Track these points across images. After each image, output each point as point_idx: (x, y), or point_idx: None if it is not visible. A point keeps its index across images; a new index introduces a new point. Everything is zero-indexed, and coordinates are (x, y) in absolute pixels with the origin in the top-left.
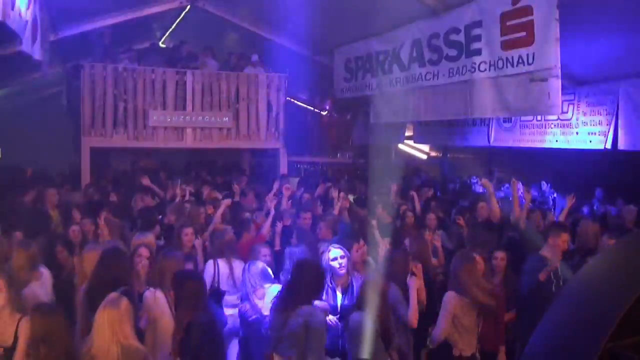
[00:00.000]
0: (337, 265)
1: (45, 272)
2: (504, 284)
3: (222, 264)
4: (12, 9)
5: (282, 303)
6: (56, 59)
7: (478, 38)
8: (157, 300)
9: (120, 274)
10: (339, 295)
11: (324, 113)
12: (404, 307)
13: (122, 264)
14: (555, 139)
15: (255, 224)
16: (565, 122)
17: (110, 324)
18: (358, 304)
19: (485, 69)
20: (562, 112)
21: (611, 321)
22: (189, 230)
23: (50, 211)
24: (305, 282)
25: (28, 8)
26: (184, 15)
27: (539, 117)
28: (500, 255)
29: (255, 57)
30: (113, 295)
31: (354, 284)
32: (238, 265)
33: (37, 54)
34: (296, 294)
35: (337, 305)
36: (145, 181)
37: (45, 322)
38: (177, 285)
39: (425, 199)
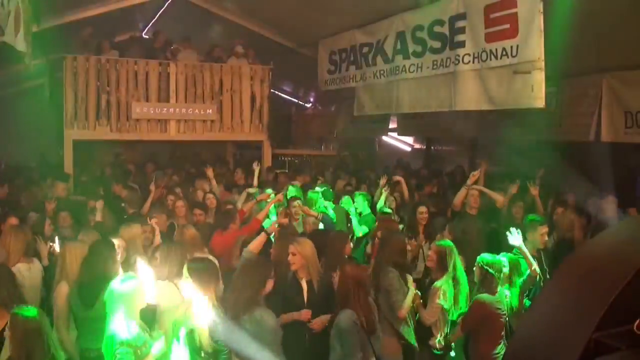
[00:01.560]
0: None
1: (37, 263)
2: None
3: None
4: None
5: None
6: (39, 50)
7: (462, 30)
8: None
9: (111, 267)
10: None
11: (308, 105)
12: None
13: (112, 257)
14: (539, 130)
15: (241, 212)
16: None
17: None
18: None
19: (469, 61)
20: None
21: (597, 311)
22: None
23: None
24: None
25: None
26: (166, 7)
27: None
28: None
29: (239, 48)
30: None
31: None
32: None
33: (20, 45)
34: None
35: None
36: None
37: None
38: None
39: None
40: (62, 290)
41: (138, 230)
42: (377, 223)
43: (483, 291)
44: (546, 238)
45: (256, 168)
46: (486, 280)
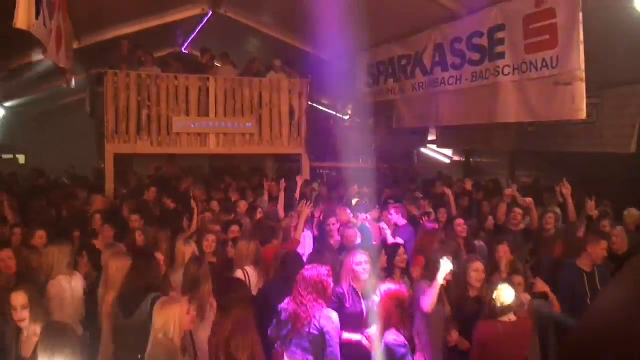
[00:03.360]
0: (361, 270)
1: (78, 276)
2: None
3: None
4: (37, 18)
5: None
6: (80, 66)
7: (501, 41)
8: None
9: (153, 280)
10: (362, 300)
11: (346, 118)
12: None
13: (154, 270)
14: (580, 142)
15: (282, 228)
16: (590, 126)
17: (177, 318)
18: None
19: (509, 73)
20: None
21: None
22: (210, 237)
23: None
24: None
25: (52, 17)
26: (206, 22)
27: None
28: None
29: (278, 62)
30: (172, 295)
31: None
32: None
33: (61, 61)
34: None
35: (362, 310)
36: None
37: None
38: (222, 293)
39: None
40: (108, 300)
41: (180, 246)
42: (420, 237)
43: None
44: (605, 254)
45: (300, 181)
46: None
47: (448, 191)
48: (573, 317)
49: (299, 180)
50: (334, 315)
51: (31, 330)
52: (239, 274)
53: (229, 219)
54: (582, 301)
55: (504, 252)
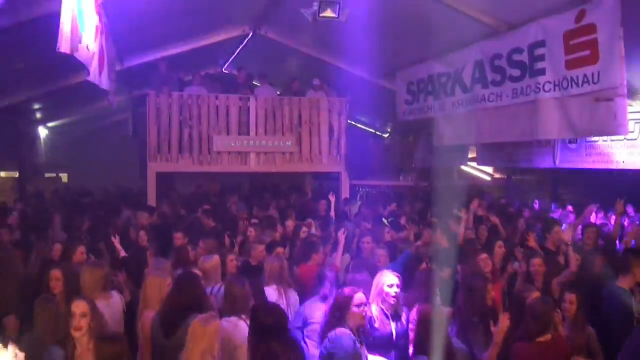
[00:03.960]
0: (393, 293)
1: (116, 296)
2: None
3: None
4: (80, 42)
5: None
6: (122, 87)
7: (541, 57)
8: (239, 328)
9: (194, 300)
10: (392, 322)
11: (385, 136)
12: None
13: (196, 289)
14: (622, 159)
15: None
16: (632, 142)
17: (208, 339)
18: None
19: (550, 89)
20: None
21: None
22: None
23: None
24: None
25: (95, 40)
26: (245, 43)
27: (604, 137)
28: (569, 297)
29: (316, 81)
30: (207, 314)
31: (404, 311)
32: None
33: (104, 83)
34: None
35: (391, 332)
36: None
37: (109, 350)
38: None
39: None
40: (146, 318)
41: (217, 261)
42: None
43: None
44: None
45: (332, 199)
46: None
47: (495, 219)
48: (621, 337)
49: (332, 198)
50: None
51: (84, 343)
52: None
53: (275, 240)
54: (629, 321)
55: (538, 265)
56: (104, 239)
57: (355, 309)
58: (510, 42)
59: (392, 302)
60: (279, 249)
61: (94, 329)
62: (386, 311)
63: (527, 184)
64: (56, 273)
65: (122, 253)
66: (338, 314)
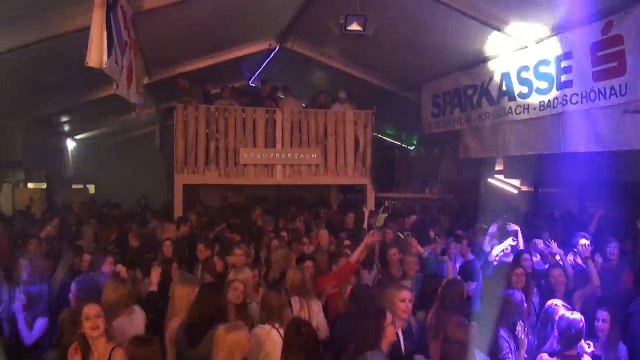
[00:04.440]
0: (405, 308)
1: (137, 311)
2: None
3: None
4: (109, 56)
5: None
6: (150, 100)
7: (568, 69)
8: (271, 336)
9: (218, 309)
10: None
11: (411, 148)
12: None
13: (220, 300)
14: None
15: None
16: None
17: (238, 346)
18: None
19: (577, 101)
20: None
21: None
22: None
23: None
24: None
25: (124, 55)
26: (273, 56)
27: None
28: (602, 315)
29: (342, 94)
30: (236, 322)
31: (414, 325)
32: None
33: (132, 97)
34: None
35: (400, 349)
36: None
37: (142, 352)
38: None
39: None
40: (172, 327)
41: (248, 275)
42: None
43: None
44: None
45: (366, 211)
46: None
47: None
48: None
49: (366, 212)
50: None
51: (100, 348)
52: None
53: (304, 253)
54: None
55: (558, 275)
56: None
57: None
58: (537, 54)
59: (405, 317)
60: (308, 262)
61: (109, 330)
62: (397, 327)
63: (554, 197)
64: (72, 287)
65: (154, 287)
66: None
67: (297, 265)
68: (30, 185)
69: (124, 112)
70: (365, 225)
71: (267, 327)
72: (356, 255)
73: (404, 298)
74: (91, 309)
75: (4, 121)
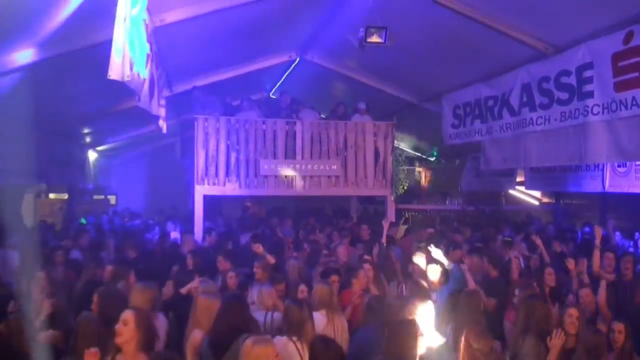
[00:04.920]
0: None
1: (162, 318)
2: None
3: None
4: (131, 69)
5: None
6: (171, 111)
7: (590, 80)
8: (287, 349)
9: (242, 322)
10: None
11: (432, 159)
12: None
13: (244, 312)
14: None
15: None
16: None
17: (264, 359)
18: None
19: (599, 112)
20: None
21: None
22: (304, 288)
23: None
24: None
25: (146, 68)
26: (293, 68)
27: None
28: (618, 327)
29: (362, 105)
30: (263, 336)
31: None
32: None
33: (154, 109)
34: None
35: None
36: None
37: None
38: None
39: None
40: (195, 338)
41: (268, 290)
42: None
43: None
44: None
45: (385, 224)
46: None
47: (538, 240)
48: None
49: (385, 225)
50: None
51: (129, 355)
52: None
53: (330, 267)
54: None
55: (586, 295)
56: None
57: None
58: (558, 64)
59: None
60: (334, 277)
61: (142, 342)
62: None
63: (576, 209)
64: (94, 296)
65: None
66: None
67: (324, 280)
68: (51, 196)
69: (145, 124)
70: (384, 238)
71: (284, 339)
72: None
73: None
74: (125, 315)
75: (26, 132)
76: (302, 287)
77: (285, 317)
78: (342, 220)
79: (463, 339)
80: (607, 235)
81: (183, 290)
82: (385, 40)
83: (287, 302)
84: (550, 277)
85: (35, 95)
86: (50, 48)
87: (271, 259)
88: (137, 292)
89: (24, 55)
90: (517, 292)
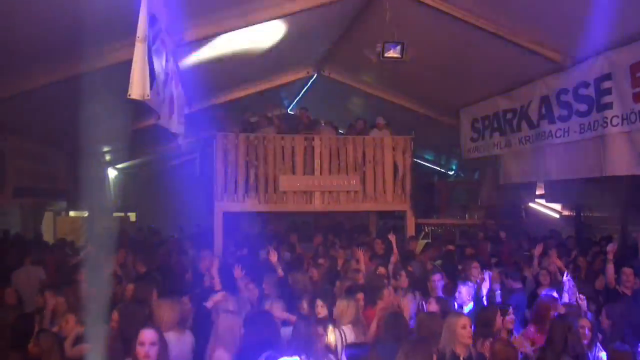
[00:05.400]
0: (466, 334)
1: (189, 334)
2: None
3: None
4: (151, 89)
5: None
6: (190, 129)
7: (608, 91)
8: None
9: (267, 338)
10: None
11: (451, 173)
12: None
13: (269, 328)
14: None
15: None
16: None
17: None
18: None
19: (618, 123)
20: None
21: None
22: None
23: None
24: None
25: (165, 87)
26: (311, 83)
27: None
28: None
29: (380, 120)
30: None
31: (473, 354)
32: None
33: (173, 127)
34: None
35: None
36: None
37: None
38: None
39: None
40: (222, 357)
41: (279, 306)
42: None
43: None
44: None
45: (392, 238)
46: None
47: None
48: None
49: (392, 239)
50: None
51: None
52: (335, 333)
53: (356, 284)
54: None
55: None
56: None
57: None
58: (576, 76)
59: (467, 343)
60: (360, 295)
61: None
62: (458, 354)
63: (597, 221)
64: (114, 314)
65: None
66: None
67: (349, 296)
68: (72, 213)
69: (165, 142)
70: (394, 252)
71: (294, 358)
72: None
73: (464, 325)
74: (146, 335)
75: (47, 151)
76: (320, 302)
77: (294, 334)
78: (361, 235)
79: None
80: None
81: (208, 304)
82: (402, 55)
83: (297, 319)
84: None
85: (56, 114)
86: (70, 68)
87: (280, 272)
88: (167, 307)
89: (44, 75)
90: None
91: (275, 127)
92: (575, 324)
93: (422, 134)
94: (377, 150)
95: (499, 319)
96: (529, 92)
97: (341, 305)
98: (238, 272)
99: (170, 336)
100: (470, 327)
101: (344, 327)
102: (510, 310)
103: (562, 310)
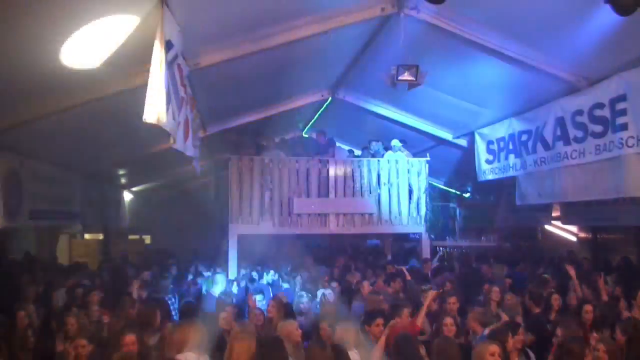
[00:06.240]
0: None
1: (206, 358)
2: None
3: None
4: (166, 113)
5: None
6: (205, 152)
7: (623, 112)
8: None
9: None
10: None
11: (466, 195)
12: None
13: (280, 352)
14: None
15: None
16: None
17: None
18: None
19: (634, 144)
20: None
21: None
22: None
23: None
24: None
25: (180, 110)
26: (325, 106)
27: None
28: None
29: (395, 142)
30: None
31: None
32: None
33: (188, 151)
34: None
35: None
36: None
37: None
38: None
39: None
40: None
41: (293, 327)
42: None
43: None
44: None
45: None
46: None
47: (571, 270)
48: None
49: (390, 269)
50: None
51: None
52: None
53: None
54: None
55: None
56: None
57: None
58: (591, 97)
59: None
60: (379, 320)
61: None
62: None
63: (613, 243)
64: (129, 338)
65: None
66: None
67: (368, 321)
68: (87, 236)
69: (180, 165)
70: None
71: None
72: (420, 318)
73: (493, 352)
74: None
75: (63, 174)
76: (324, 325)
77: (308, 357)
78: (376, 258)
79: None
80: None
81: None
82: (417, 78)
83: (311, 344)
84: (588, 316)
85: (72, 138)
86: (86, 94)
87: (284, 297)
88: (193, 331)
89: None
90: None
91: (288, 150)
92: None
93: (437, 156)
94: (392, 172)
95: (509, 338)
96: (544, 113)
97: (339, 331)
98: (252, 301)
99: (188, 356)
100: (499, 356)
101: (350, 352)
102: (521, 330)
103: None
